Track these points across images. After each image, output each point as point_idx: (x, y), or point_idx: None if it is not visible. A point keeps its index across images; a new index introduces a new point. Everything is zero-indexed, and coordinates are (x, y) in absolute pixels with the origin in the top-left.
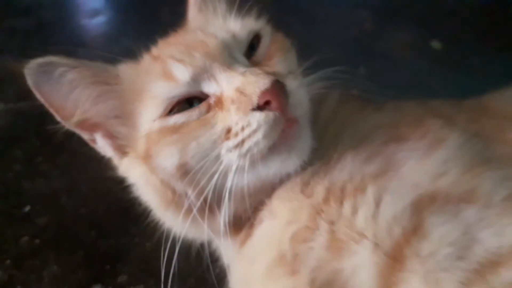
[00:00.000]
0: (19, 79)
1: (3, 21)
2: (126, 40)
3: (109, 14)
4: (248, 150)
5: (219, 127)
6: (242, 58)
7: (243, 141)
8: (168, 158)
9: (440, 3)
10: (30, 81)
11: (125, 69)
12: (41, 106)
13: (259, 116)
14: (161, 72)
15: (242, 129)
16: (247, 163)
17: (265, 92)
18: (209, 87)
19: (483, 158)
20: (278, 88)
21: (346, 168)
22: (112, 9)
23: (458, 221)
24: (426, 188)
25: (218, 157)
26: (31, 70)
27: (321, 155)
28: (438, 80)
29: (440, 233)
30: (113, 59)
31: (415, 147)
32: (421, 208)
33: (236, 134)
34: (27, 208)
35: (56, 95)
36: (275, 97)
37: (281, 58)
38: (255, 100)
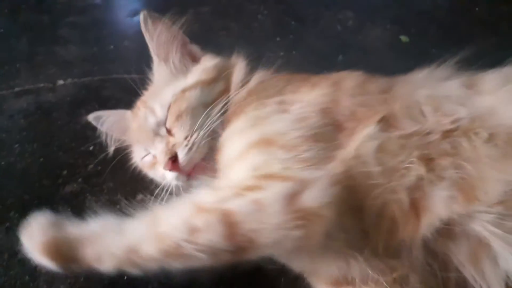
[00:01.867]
0: (82, 62)
1: (67, 18)
2: None
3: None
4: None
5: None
6: (163, 130)
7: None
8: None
9: (415, 3)
10: None
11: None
12: (98, 80)
13: (169, 174)
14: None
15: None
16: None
17: (165, 164)
18: (150, 150)
19: None
20: (171, 162)
21: None
22: (149, 9)
23: None
24: None
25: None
26: None
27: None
28: (401, 67)
29: None
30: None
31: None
32: None
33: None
34: (91, 147)
35: None
36: (171, 168)
37: (178, 129)
38: (164, 167)
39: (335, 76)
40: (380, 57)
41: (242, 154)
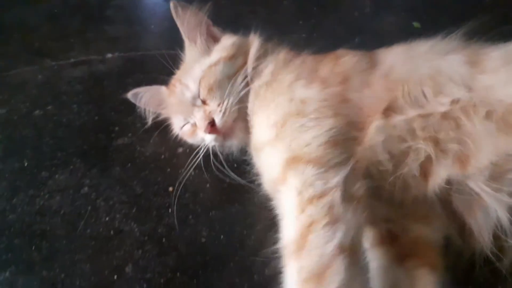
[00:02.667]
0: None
1: (113, 1)
2: None
3: None
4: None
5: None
6: (199, 101)
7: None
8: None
9: None
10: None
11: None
12: (141, 55)
13: (209, 136)
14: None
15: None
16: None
17: (206, 128)
18: (190, 119)
19: None
20: (210, 126)
21: None
22: None
23: None
24: None
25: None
26: None
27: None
28: None
29: None
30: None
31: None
32: None
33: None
34: (139, 110)
35: None
36: (210, 131)
37: (211, 99)
38: (203, 131)
39: (344, 66)
40: (393, 40)
41: (279, 178)
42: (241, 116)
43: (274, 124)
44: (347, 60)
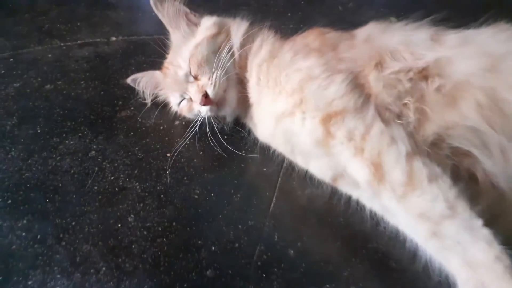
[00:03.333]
0: (129, 23)
1: None
2: None
3: None
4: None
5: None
6: (191, 78)
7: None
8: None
9: None
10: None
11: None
12: (142, 39)
13: (204, 108)
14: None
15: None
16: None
17: (201, 101)
18: (185, 95)
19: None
20: (205, 98)
21: None
22: None
23: None
24: None
25: (198, 113)
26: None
27: None
28: None
29: None
30: None
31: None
32: None
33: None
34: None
35: None
36: (205, 102)
37: (202, 74)
38: (199, 103)
39: (329, 39)
40: None
41: (325, 137)
42: (231, 85)
43: (293, 92)
44: (331, 34)
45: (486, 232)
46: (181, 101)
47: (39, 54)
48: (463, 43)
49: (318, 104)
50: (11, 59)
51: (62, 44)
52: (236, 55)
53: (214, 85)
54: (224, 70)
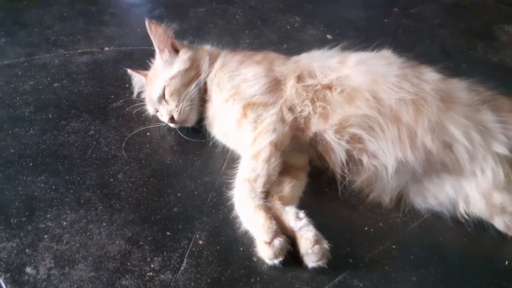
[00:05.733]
0: (119, 37)
1: (108, 9)
2: None
3: (161, 10)
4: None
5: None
6: (163, 101)
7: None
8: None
9: (344, 14)
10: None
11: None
12: (130, 49)
13: (170, 124)
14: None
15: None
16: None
17: (168, 120)
18: (158, 111)
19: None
20: (171, 119)
21: None
22: (161, 9)
23: None
24: None
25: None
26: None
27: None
28: None
29: None
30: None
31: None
32: None
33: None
34: (127, 85)
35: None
36: (171, 122)
37: (172, 101)
38: (167, 122)
39: (270, 56)
40: (310, 48)
41: (241, 117)
42: (193, 109)
43: (231, 88)
44: (273, 54)
45: (259, 194)
46: (155, 111)
47: (48, 60)
48: (359, 63)
49: (245, 95)
50: (25, 63)
51: (65, 52)
52: (202, 85)
53: (179, 112)
54: (190, 101)
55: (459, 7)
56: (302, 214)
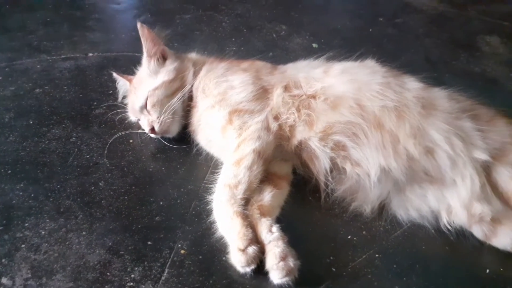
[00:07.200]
0: (104, 42)
1: (93, 14)
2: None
3: (147, 16)
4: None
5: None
6: (144, 111)
7: None
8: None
9: (330, 23)
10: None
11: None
12: (114, 55)
13: (151, 134)
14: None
15: None
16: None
17: (148, 131)
18: (139, 120)
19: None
20: (152, 130)
21: None
22: (148, 15)
23: None
24: None
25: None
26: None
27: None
28: None
29: None
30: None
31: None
32: None
33: None
34: (110, 91)
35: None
36: (151, 133)
37: (154, 112)
38: (147, 132)
39: (256, 64)
40: (296, 56)
41: (227, 123)
42: (175, 120)
43: (217, 95)
44: (260, 62)
45: (239, 201)
46: (137, 120)
47: (30, 65)
48: (343, 73)
49: (231, 102)
50: (7, 69)
51: (48, 57)
52: (186, 95)
53: (160, 124)
54: (172, 113)
55: (443, 18)
56: (275, 228)
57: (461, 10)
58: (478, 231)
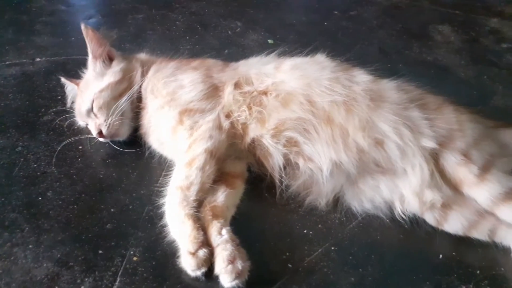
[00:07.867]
0: (52, 47)
1: (40, 18)
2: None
3: (98, 17)
4: None
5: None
6: (91, 114)
7: None
8: None
9: (286, 18)
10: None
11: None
12: (63, 59)
13: (100, 138)
14: None
15: None
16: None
17: (96, 135)
18: (87, 124)
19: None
20: (99, 134)
21: None
22: (98, 16)
23: None
24: None
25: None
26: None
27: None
28: None
29: None
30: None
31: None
32: None
33: None
34: (59, 97)
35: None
36: (99, 136)
37: (101, 115)
38: (95, 135)
39: (207, 62)
40: (252, 52)
41: (177, 123)
42: (124, 123)
43: (167, 95)
44: (211, 60)
45: (191, 203)
46: (85, 124)
47: None
48: (293, 68)
49: (181, 102)
50: None
51: None
52: (134, 96)
53: (108, 126)
54: (120, 115)
55: (396, 9)
56: (225, 230)
57: (414, 0)
58: (430, 218)
